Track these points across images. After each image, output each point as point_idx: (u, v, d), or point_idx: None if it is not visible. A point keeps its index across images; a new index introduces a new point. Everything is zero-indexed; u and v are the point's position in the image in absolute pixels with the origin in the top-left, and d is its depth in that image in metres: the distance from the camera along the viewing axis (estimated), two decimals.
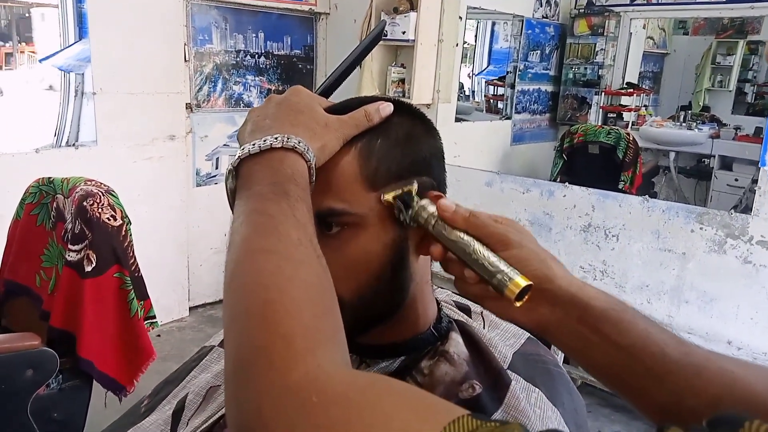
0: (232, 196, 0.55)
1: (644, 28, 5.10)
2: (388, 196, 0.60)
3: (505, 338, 0.72)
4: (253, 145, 0.54)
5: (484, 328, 0.74)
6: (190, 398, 0.75)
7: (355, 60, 0.69)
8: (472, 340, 0.69)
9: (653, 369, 0.51)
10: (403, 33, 3.10)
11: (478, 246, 0.55)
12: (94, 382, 1.68)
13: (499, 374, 0.64)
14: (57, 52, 3.02)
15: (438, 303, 0.72)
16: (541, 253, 0.57)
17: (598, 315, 0.54)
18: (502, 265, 0.53)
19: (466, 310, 0.77)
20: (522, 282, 0.52)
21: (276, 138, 0.54)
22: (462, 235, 0.56)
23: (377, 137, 0.61)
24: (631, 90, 4.87)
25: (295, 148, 0.54)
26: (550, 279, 0.55)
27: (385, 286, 0.61)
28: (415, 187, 0.60)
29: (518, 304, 0.53)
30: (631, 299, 2.74)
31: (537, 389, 0.64)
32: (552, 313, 0.55)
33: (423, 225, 0.58)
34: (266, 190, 0.51)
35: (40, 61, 3.09)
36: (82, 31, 2.98)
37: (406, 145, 0.62)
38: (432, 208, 0.58)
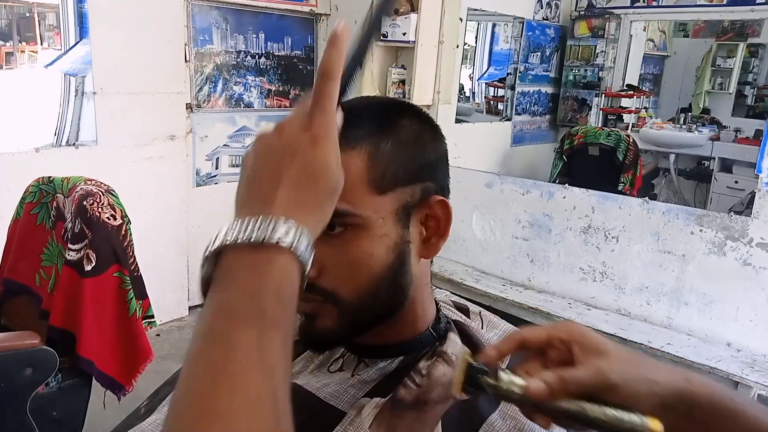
0: (205, 287, 0.45)
1: (644, 30, 5.11)
2: (457, 388, 0.52)
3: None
4: (239, 230, 0.44)
5: (482, 328, 0.74)
6: None
7: (365, 37, 0.60)
8: (470, 341, 0.69)
9: None
10: (404, 34, 3.11)
11: (590, 408, 0.49)
12: (94, 381, 1.68)
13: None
14: (61, 56, 3.02)
15: (437, 303, 0.72)
16: (627, 356, 0.53)
17: (707, 407, 0.51)
18: (626, 416, 0.48)
19: (465, 311, 0.77)
20: (657, 427, 0.48)
21: (268, 227, 0.43)
22: (566, 404, 0.50)
23: (386, 139, 0.61)
24: (632, 92, 4.88)
25: (292, 248, 0.44)
26: (655, 382, 0.51)
27: (385, 288, 0.61)
28: (468, 361, 0.52)
29: None
30: (631, 301, 2.74)
31: None
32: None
33: (518, 400, 0.51)
34: (238, 303, 0.42)
35: (46, 66, 3.10)
36: (82, 31, 2.98)
37: (414, 148, 0.62)
38: (519, 381, 0.51)
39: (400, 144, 0.61)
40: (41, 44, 3.32)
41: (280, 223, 0.44)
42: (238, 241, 0.43)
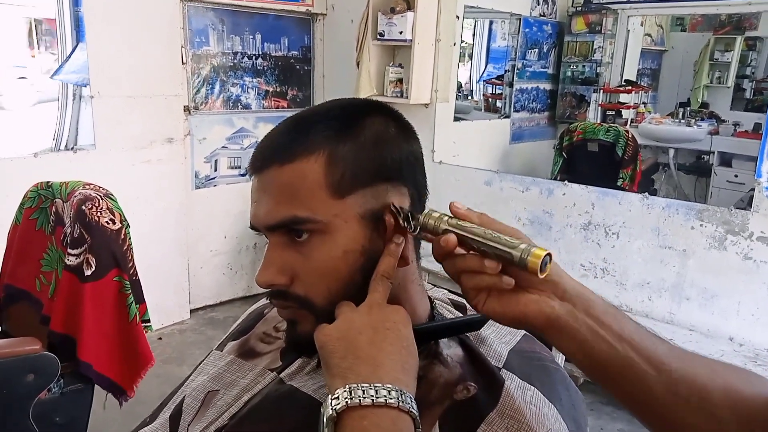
0: None
1: (642, 25, 5.10)
2: (389, 216, 0.61)
3: (500, 336, 0.72)
4: (363, 392, 0.51)
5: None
6: (187, 402, 0.74)
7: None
8: (466, 340, 0.69)
9: (650, 360, 0.55)
10: (401, 33, 3.10)
11: (493, 233, 0.57)
12: (96, 386, 1.68)
13: (493, 374, 0.64)
14: (63, 64, 3.02)
15: (432, 301, 0.72)
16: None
17: (603, 308, 0.57)
18: (521, 243, 0.55)
19: (462, 308, 0.76)
20: (542, 251, 0.54)
21: (391, 393, 0.52)
22: (477, 226, 0.58)
23: (345, 142, 0.61)
24: (630, 87, 4.87)
25: (410, 412, 0.52)
26: (559, 275, 0.57)
27: (356, 291, 0.61)
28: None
29: (542, 275, 0.54)
30: (632, 297, 2.74)
31: (532, 387, 0.64)
32: (561, 306, 0.56)
33: (433, 228, 0.59)
34: None
35: (52, 77, 3.09)
36: (79, 35, 2.97)
37: (374, 149, 0.61)
38: (437, 213, 0.60)
39: (359, 145, 0.61)
40: (38, 48, 3.32)
41: (398, 391, 0.52)
42: (362, 403, 0.51)
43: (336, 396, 0.52)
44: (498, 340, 0.71)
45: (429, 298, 0.72)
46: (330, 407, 0.51)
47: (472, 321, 0.69)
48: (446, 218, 0.59)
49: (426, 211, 0.61)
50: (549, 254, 0.54)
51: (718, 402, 0.54)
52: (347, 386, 0.52)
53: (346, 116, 0.64)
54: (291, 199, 0.60)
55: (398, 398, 0.51)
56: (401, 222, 0.61)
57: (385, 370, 0.53)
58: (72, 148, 2.98)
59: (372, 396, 0.51)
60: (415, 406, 0.52)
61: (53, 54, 3.15)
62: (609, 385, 0.57)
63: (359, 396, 0.51)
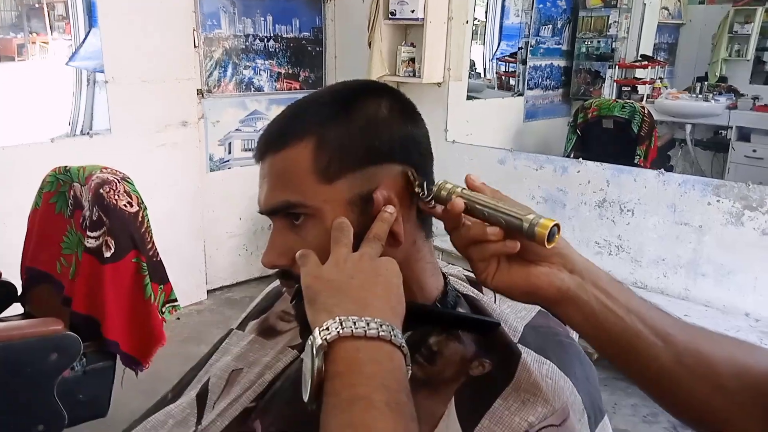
0: (318, 377, 0.50)
1: None
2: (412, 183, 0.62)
3: (516, 311, 0.72)
4: (354, 323, 0.50)
5: (495, 302, 0.74)
6: (212, 381, 0.76)
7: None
8: (482, 314, 0.69)
9: (657, 331, 0.56)
10: (412, 12, 3.07)
11: (504, 203, 0.58)
12: (117, 363, 1.72)
13: (508, 348, 0.64)
14: (78, 49, 3.04)
15: (446, 278, 0.72)
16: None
17: (609, 281, 0.58)
18: (529, 214, 0.56)
19: (477, 285, 0.77)
20: (550, 221, 0.54)
21: (382, 326, 0.51)
22: (489, 197, 0.59)
23: (335, 126, 0.61)
24: (646, 62, 4.78)
25: (402, 347, 0.52)
26: (567, 248, 0.58)
27: None
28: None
29: (549, 246, 0.55)
30: (647, 274, 2.73)
31: (548, 360, 0.64)
32: (571, 279, 0.57)
33: (445, 198, 0.60)
34: (377, 398, 0.47)
35: (67, 63, 3.12)
36: (91, 20, 2.99)
37: (363, 132, 0.61)
38: (450, 184, 0.61)
39: (348, 129, 0.61)
40: (51, 34, 3.33)
41: (389, 326, 0.51)
42: (354, 333, 0.50)
43: (325, 327, 0.50)
44: (514, 315, 0.71)
45: (443, 274, 0.72)
46: (319, 337, 0.50)
47: (481, 321, 0.68)
48: (459, 189, 0.60)
49: (439, 182, 0.62)
50: (557, 225, 0.55)
51: (724, 372, 0.55)
52: (336, 318, 0.50)
53: (337, 100, 0.64)
54: (284, 184, 0.61)
55: (390, 332, 0.51)
56: (416, 189, 0.61)
57: (374, 309, 0.52)
58: (88, 133, 3.01)
59: (363, 327, 0.50)
60: (405, 343, 0.52)
61: (67, 40, 3.16)
62: (618, 356, 0.58)
63: (350, 327, 0.50)
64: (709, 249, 2.55)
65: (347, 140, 0.61)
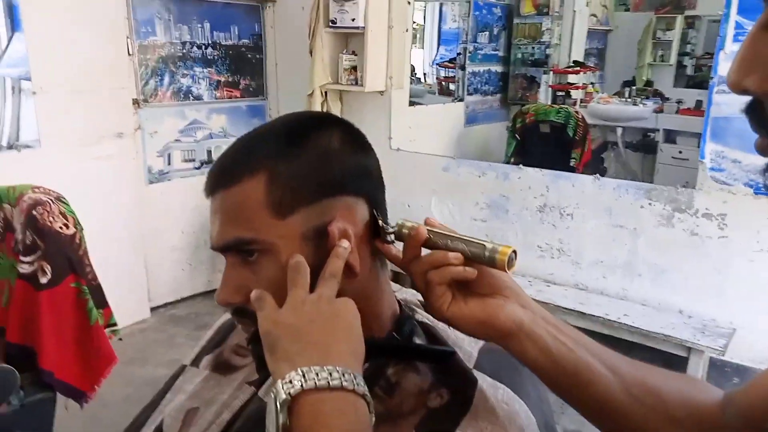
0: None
1: (587, 5, 5.19)
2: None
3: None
4: (317, 374, 0.50)
5: (449, 328, 0.74)
6: (167, 423, 0.74)
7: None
8: (436, 343, 0.69)
9: (605, 363, 0.59)
10: (353, 20, 3.07)
11: (464, 235, 0.61)
12: (59, 394, 1.64)
13: (464, 375, 0.65)
14: (0, 56, 2.86)
15: (401, 305, 0.72)
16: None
17: (555, 318, 0.62)
18: (488, 242, 0.59)
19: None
20: (508, 248, 0.58)
21: (345, 375, 0.51)
22: (440, 237, 0.62)
23: (286, 161, 0.60)
24: (578, 68, 4.97)
25: (365, 395, 0.52)
26: (517, 284, 0.61)
27: None
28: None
29: (510, 270, 0.58)
30: (587, 275, 2.83)
31: (502, 385, 0.66)
32: (525, 313, 0.59)
33: (407, 234, 0.62)
34: None
35: None
36: (14, 23, 2.83)
37: (315, 165, 0.61)
38: (410, 222, 0.63)
39: (299, 163, 0.61)
40: None
41: (351, 374, 0.51)
42: (317, 385, 0.49)
43: (288, 380, 0.50)
44: (468, 340, 0.71)
45: (398, 301, 0.72)
46: (282, 391, 0.49)
47: (438, 351, 0.69)
48: (417, 225, 0.63)
49: (399, 221, 0.63)
50: (515, 251, 0.58)
51: (671, 402, 0.58)
52: (298, 369, 0.50)
53: (288, 133, 0.63)
54: (236, 221, 0.60)
55: (352, 380, 0.51)
56: (380, 224, 0.63)
57: (335, 355, 0.52)
58: (15, 146, 2.85)
59: (326, 378, 0.50)
60: (367, 390, 0.52)
61: None
62: (571, 389, 0.60)
63: (313, 378, 0.50)
64: (644, 250, 2.68)
65: (300, 174, 0.60)
